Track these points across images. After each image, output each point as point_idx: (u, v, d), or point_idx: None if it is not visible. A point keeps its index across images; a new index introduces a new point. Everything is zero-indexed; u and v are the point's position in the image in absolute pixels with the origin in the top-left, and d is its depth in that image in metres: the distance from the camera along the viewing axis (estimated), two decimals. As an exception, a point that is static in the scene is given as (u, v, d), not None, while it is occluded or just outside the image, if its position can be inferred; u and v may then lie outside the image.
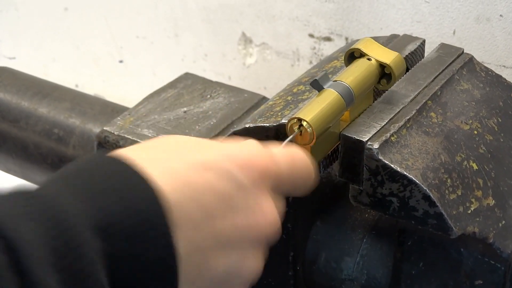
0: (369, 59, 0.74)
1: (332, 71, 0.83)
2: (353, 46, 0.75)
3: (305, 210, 0.84)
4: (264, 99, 0.96)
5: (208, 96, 0.97)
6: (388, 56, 0.74)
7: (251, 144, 0.60)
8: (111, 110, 1.03)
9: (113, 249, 0.51)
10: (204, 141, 0.60)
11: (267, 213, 0.58)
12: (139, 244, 0.51)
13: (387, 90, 0.77)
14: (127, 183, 0.52)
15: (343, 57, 0.84)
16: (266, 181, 0.59)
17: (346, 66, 0.76)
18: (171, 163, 0.55)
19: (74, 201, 0.51)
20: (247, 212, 0.57)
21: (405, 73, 0.81)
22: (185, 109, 0.94)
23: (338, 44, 1.15)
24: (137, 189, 0.52)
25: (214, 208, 0.56)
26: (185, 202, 0.54)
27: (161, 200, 0.52)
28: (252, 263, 0.59)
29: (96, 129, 0.99)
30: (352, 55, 0.76)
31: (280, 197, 0.63)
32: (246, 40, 1.25)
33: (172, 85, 1.00)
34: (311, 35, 1.18)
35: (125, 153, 0.55)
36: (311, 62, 1.19)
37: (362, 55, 0.75)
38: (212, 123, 0.91)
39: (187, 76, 1.02)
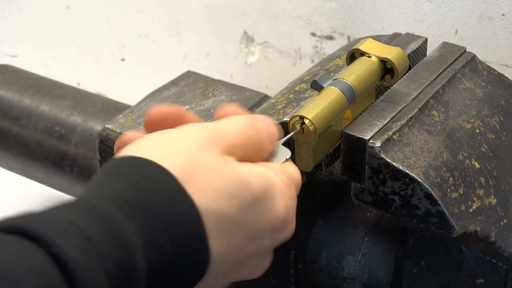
0: (369, 57, 0.74)
1: (334, 69, 0.83)
2: (353, 48, 0.75)
3: (306, 208, 0.84)
4: (266, 97, 0.96)
5: (210, 94, 0.97)
6: (389, 51, 0.74)
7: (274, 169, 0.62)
8: (113, 108, 1.03)
9: (157, 267, 0.53)
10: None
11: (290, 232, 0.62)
12: (179, 258, 0.54)
13: (392, 86, 0.77)
14: (171, 201, 0.54)
15: (345, 56, 0.84)
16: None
17: (348, 65, 0.76)
18: (208, 177, 0.56)
19: (126, 219, 0.52)
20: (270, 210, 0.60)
21: (408, 71, 0.81)
22: (187, 107, 0.94)
23: (340, 43, 1.15)
24: (179, 206, 0.54)
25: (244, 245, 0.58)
26: (219, 214, 0.56)
27: (200, 222, 0.55)
28: (267, 262, 0.63)
29: (98, 127, 0.99)
30: (353, 56, 0.76)
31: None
32: (248, 39, 1.25)
33: (174, 83, 1.00)
34: (313, 34, 1.18)
35: (161, 158, 0.56)
36: (313, 61, 1.19)
37: (362, 54, 0.75)
38: (213, 121, 0.91)
39: (189, 74, 1.02)
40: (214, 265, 0.56)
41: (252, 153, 0.61)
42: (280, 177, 0.61)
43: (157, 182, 0.54)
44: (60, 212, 0.51)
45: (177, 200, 0.54)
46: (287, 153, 0.65)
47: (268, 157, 0.63)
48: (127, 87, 1.45)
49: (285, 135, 0.70)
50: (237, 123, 0.61)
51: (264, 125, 0.62)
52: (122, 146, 0.61)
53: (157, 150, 0.57)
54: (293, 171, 0.63)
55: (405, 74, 0.81)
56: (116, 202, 0.52)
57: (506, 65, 1.03)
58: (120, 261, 0.50)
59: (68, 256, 0.47)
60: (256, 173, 0.59)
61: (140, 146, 0.57)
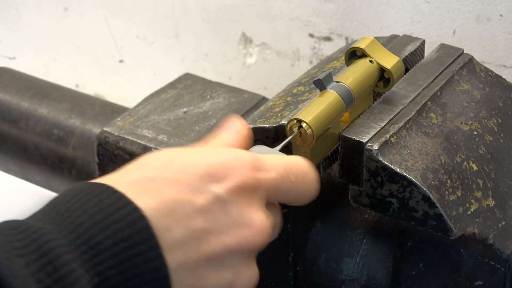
0: (371, 61, 0.74)
1: (332, 71, 0.83)
2: (356, 45, 0.75)
3: (305, 210, 0.84)
4: (264, 99, 0.96)
5: (208, 96, 0.97)
6: (390, 61, 0.74)
7: (229, 152, 0.59)
8: (111, 110, 1.03)
9: (102, 277, 0.51)
10: (179, 153, 0.59)
11: (254, 224, 0.58)
12: (128, 271, 0.52)
13: (383, 93, 0.77)
14: (111, 209, 0.53)
15: (343, 58, 0.83)
16: (249, 190, 0.58)
17: (347, 64, 0.75)
18: (150, 183, 0.55)
19: (58, 232, 0.51)
20: (232, 227, 0.57)
21: (405, 74, 0.81)
22: (185, 109, 0.94)
23: (338, 44, 1.15)
24: (122, 213, 0.53)
25: (199, 228, 0.56)
26: (170, 225, 0.54)
27: (146, 224, 0.53)
28: (246, 275, 0.59)
29: (96, 130, 0.99)
30: (353, 54, 0.75)
31: (275, 207, 0.63)
32: (246, 40, 1.25)
33: (172, 85, 1.00)
34: (311, 35, 1.18)
35: (105, 179, 0.56)
36: (311, 62, 1.19)
37: (363, 55, 0.75)
38: (212, 123, 0.91)
39: (187, 77, 1.02)
40: (155, 223, 0.53)
41: None
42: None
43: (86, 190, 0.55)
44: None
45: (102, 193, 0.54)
46: None
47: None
48: (126, 88, 1.45)
49: (283, 138, 0.70)
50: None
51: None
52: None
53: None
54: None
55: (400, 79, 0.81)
56: (41, 212, 0.53)
57: (504, 66, 1.03)
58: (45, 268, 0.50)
59: None
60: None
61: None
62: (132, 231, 0.52)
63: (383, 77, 0.75)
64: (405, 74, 0.81)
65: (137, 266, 0.52)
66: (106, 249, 0.52)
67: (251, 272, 0.59)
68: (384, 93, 0.77)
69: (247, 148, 0.65)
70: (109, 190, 0.54)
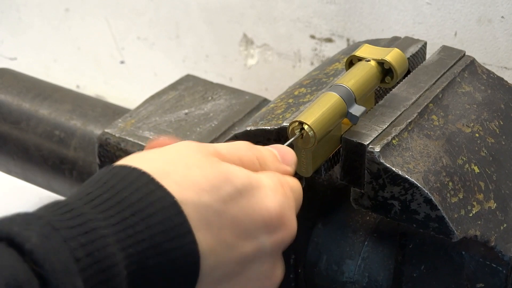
0: (367, 60, 0.74)
1: (334, 73, 0.83)
2: (350, 55, 0.76)
3: (306, 212, 0.84)
4: (265, 101, 0.96)
5: (209, 98, 0.97)
6: (385, 53, 0.74)
7: (284, 198, 0.60)
8: (112, 112, 1.03)
9: (138, 257, 0.52)
10: (252, 184, 0.59)
11: (277, 277, 0.61)
12: (163, 246, 0.53)
13: (393, 86, 0.77)
14: (144, 192, 0.53)
15: (344, 59, 0.84)
16: (287, 243, 0.61)
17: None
18: (214, 218, 0.56)
19: (102, 219, 0.52)
20: (259, 277, 0.59)
21: (407, 76, 0.81)
22: (186, 111, 0.94)
23: (339, 45, 1.15)
24: (155, 198, 0.53)
25: (235, 272, 0.57)
26: (216, 265, 0.56)
27: (178, 207, 0.53)
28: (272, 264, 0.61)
29: (97, 131, 0.99)
30: (352, 63, 0.76)
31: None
32: (248, 41, 1.25)
33: (173, 87, 1.00)
34: (313, 36, 1.18)
35: (143, 164, 0.55)
36: (312, 63, 1.19)
37: (360, 59, 0.75)
38: (213, 125, 0.91)
39: (188, 78, 1.02)
40: (205, 263, 0.55)
41: (253, 169, 0.60)
42: (272, 178, 0.60)
43: (127, 179, 0.54)
44: (29, 211, 0.51)
45: (150, 192, 0.53)
46: None
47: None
48: (127, 89, 1.45)
49: (284, 141, 0.70)
50: (232, 144, 0.61)
51: (265, 149, 0.63)
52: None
53: (139, 158, 0.57)
54: (292, 181, 0.62)
55: (404, 77, 0.81)
56: (84, 199, 0.53)
57: (505, 68, 1.03)
58: (86, 245, 0.50)
59: (32, 243, 0.48)
60: (240, 170, 0.58)
61: (126, 159, 0.57)
62: (183, 260, 0.54)
63: (387, 72, 0.75)
64: (406, 76, 0.81)
65: (170, 240, 0.53)
66: (139, 234, 0.52)
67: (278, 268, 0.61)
68: (389, 91, 0.77)
69: None
70: (180, 215, 0.54)
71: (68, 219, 0.50)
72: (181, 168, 0.55)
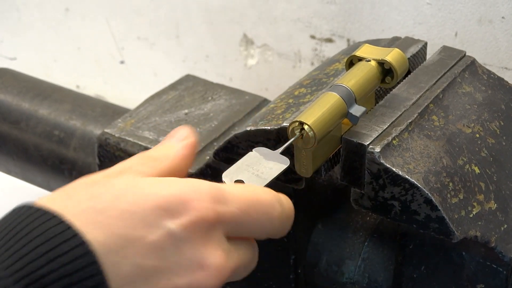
0: (368, 61, 0.74)
1: (334, 73, 0.83)
2: (350, 55, 0.75)
3: (306, 213, 0.83)
4: (265, 101, 0.96)
5: (209, 98, 0.97)
6: (386, 53, 0.74)
7: (185, 183, 0.56)
8: (112, 112, 1.03)
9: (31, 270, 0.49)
10: (132, 183, 0.56)
11: (209, 265, 0.54)
12: (54, 259, 0.50)
13: (393, 87, 0.77)
14: (57, 240, 0.50)
15: (344, 60, 0.83)
16: (207, 225, 0.55)
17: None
18: (100, 216, 0.52)
19: (1, 262, 0.49)
20: (184, 267, 0.54)
21: (407, 76, 0.81)
22: (186, 111, 0.94)
23: (339, 46, 1.15)
24: (68, 246, 0.50)
25: (149, 266, 0.53)
26: (119, 261, 0.52)
27: (93, 259, 0.50)
28: None
29: (97, 131, 0.99)
30: (352, 63, 0.76)
31: (247, 242, 0.59)
32: (248, 42, 1.25)
33: (173, 87, 0.99)
34: (313, 37, 1.18)
35: (52, 202, 0.53)
36: (312, 64, 1.19)
37: (360, 60, 0.75)
38: (213, 125, 0.91)
39: (188, 78, 1.01)
40: (106, 260, 0.51)
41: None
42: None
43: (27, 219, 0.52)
44: None
45: (32, 213, 0.52)
46: (286, 161, 0.64)
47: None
48: (127, 89, 1.45)
49: (284, 141, 0.70)
50: None
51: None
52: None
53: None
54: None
55: (405, 77, 0.81)
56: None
57: (506, 68, 1.03)
58: None
59: None
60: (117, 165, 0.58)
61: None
62: (79, 265, 0.50)
63: (387, 73, 0.74)
64: (407, 76, 0.81)
65: None
66: (50, 283, 0.49)
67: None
68: (389, 92, 0.77)
69: (192, 158, 0.62)
70: (56, 219, 0.51)
71: None
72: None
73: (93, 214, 0.52)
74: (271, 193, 0.59)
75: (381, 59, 0.74)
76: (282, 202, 0.60)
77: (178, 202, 0.54)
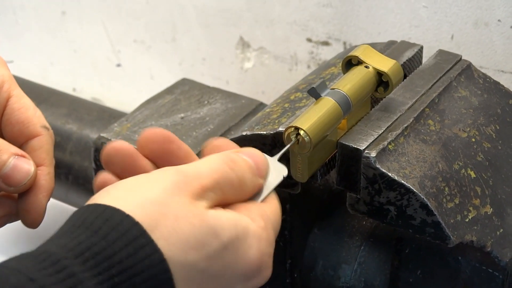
0: (366, 67, 0.74)
1: (330, 77, 0.83)
2: (350, 53, 0.75)
3: (302, 217, 0.83)
4: (261, 105, 0.96)
5: (206, 102, 0.97)
6: (386, 64, 0.74)
7: (267, 249, 0.59)
8: (108, 116, 1.03)
9: None
10: (235, 242, 0.58)
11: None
12: None
13: (384, 98, 0.77)
14: (134, 248, 0.52)
15: (340, 64, 0.83)
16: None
17: (344, 73, 0.75)
18: (197, 275, 0.55)
19: (83, 267, 0.51)
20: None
21: (403, 80, 0.81)
22: (182, 115, 0.94)
23: (336, 49, 1.15)
24: (144, 255, 0.52)
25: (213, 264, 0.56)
26: (187, 264, 0.54)
27: (165, 266, 0.53)
28: None
29: (93, 135, 0.99)
30: (350, 62, 0.75)
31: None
32: (244, 45, 1.25)
33: (169, 91, 0.99)
34: (309, 40, 1.18)
35: (131, 207, 0.54)
36: (309, 67, 1.19)
37: (359, 62, 0.75)
38: (209, 129, 0.91)
39: (184, 82, 1.01)
40: None
41: (231, 192, 0.59)
42: (257, 221, 0.59)
43: (120, 229, 0.53)
44: (18, 263, 0.50)
45: (140, 247, 0.52)
46: (283, 170, 0.64)
47: (253, 193, 0.61)
48: (123, 92, 1.45)
49: (280, 145, 0.70)
50: (212, 163, 0.59)
51: (244, 161, 0.60)
52: (107, 159, 0.61)
53: (124, 197, 0.55)
54: (271, 212, 0.61)
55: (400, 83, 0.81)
56: (75, 250, 0.51)
57: (502, 71, 1.03)
58: None
59: None
60: (227, 220, 0.57)
61: (108, 193, 0.56)
62: (152, 272, 0.53)
63: (382, 82, 0.74)
64: (403, 80, 0.81)
65: None
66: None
67: None
68: (383, 98, 0.77)
69: None
70: (135, 229, 0.53)
71: (52, 275, 0.50)
72: (170, 220, 0.54)
73: (194, 271, 0.55)
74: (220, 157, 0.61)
75: (381, 70, 0.73)
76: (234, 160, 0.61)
77: (257, 268, 0.58)
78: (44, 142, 0.73)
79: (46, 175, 0.72)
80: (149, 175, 0.58)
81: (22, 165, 0.69)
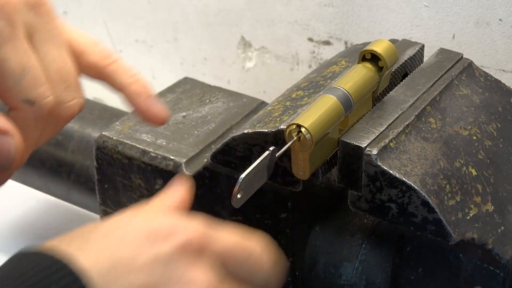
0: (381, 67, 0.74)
1: (331, 76, 0.83)
2: (365, 49, 0.74)
3: (303, 215, 0.84)
4: (263, 103, 0.96)
5: (207, 100, 0.97)
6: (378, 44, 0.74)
7: (178, 218, 0.58)
8: (110, 114, 1.03)
9: None
10: (123, 218, 0.58)
11: (200, 280, 0.56)
12: None
13: (390, 89, 0.76)
14: (48, 271, 0.52)
15: (342, 62, 0.84)
16: (196, 247, 0.57)
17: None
18: (91, 244, 0.55)
19: None
20: (173, 282, 0.55)
21: (404, 78, 0.81)
22: (184, 113, 0.94)
23: (337, 48, 1.15)
24: (59, 276, 0.52)
25: (139, 284, 0.54)
26: (110, 280, 0.53)
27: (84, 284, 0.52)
28: None
29: (95, 134, 0.99)
30: (365, 58, 0.74)
31: (236, 282, 0.60)
32: (245, 44, 1.25)
33: (170, 89, 0.99)
34: (311, 39, 1.18)
35: (56, 246, 0.54)
36: (310, 66, 1.19)
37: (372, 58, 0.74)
38: (211, 127, 0.91)
39: (186, 81, 1.01)
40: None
41: None
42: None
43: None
44: None
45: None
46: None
47: None
48: (125, 92, 1.45)
49: (282, 143, 0.70)
50: None
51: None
52: None
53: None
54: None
55: (402, 79, 0.81)
56: None
57: (503, 70, 1.03)
58: None
59: None
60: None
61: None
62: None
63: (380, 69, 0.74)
64: (404, 78, 0.81)
65: None
66: None
67: None
68: (384, 96, 0.77)
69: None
70: (48, 255, 0.53)
71: None
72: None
73: (84, 243, 0.55)
74: (256, 241, 0.61)
75: (373, 50, 0.73)
76: (267, 251, 0.61)
77: (168, 231, 0.57)
78: (20, 119, 0.64)
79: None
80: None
81: (2, 144, 0.63)
